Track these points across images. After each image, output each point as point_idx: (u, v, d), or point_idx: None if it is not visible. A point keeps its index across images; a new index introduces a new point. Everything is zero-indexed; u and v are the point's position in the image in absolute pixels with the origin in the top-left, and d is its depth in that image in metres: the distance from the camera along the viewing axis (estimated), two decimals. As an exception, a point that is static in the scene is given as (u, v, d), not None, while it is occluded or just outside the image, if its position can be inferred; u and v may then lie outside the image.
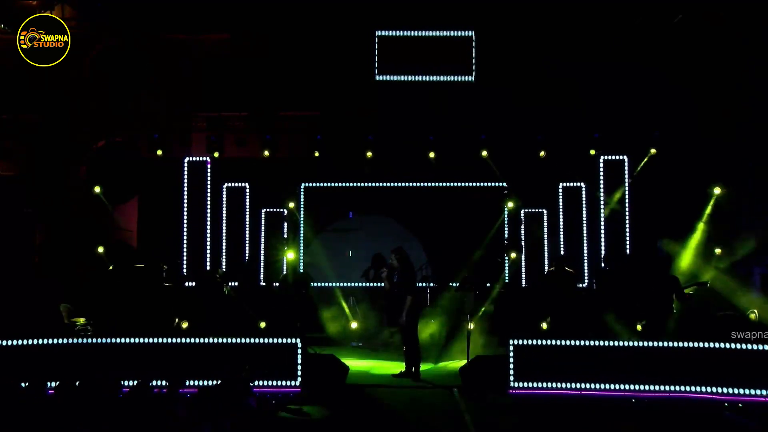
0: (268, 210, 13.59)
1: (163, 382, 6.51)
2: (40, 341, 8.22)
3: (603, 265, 12.65)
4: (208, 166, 13.27)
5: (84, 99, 13.05)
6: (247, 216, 13.46)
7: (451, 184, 13.63)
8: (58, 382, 6.24)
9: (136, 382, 6.45)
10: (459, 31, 12.38)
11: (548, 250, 13.42)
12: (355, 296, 13.08)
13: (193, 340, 8.51)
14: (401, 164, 13.53)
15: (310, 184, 13.72)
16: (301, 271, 12.94)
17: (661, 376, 8.06)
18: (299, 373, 8.27)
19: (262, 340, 8.44)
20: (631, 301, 10.14)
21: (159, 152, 13.20)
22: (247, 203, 13.52)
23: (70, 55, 9.61)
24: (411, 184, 13.69)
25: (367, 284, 12.45)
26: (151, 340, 8.39)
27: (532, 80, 12.76)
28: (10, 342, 8.12)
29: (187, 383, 7.35)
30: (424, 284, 12.84)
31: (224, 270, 11.45)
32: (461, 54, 12.40)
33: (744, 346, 8.03)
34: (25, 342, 8.27)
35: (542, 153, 13.15)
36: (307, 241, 13.67)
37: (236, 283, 11.75)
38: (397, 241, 12.91)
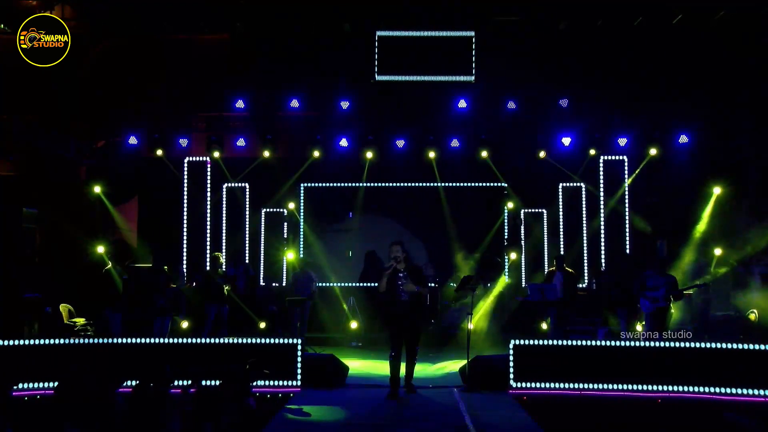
0: (268, 210, 13.60)
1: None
2: (41, 341, 8.23)
3: (603, 266, 12.70)
4: (208, 166, 13.28)
5: (84, 99, 13.05)
6: (247, 216, 13.47)
7: (451, 185, 13.63)
8: (57, 383, 6.23)
9: (135, 383, 6.43)
10: (459, 31, 12.38)
11: (548, 250, 13.42)
12: (355, 296, 13.10)
13: (192, 341, 8.54)
14: (401, 164, 13.54)
15: (310, 184, 13.72)
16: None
17: (662, 376, 8.08)
18: (299, 373, 8.28)
19: (262, 341, 8.46)
20: (631, 301, 10.15)
21: (159, 152, 13.23)
22: (247, 203, 13.53)
23: (70, 55, 9.59)
24: (411, 185, 13.69)
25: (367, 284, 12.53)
26: (149, 341, 8.41)
27: (531, 80, 12.77)
28: (10, 342, 8.12)
29: (187, 383, 7.33)
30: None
31: (224, 270, 11.44)
32: (461, 54, 12.39)
33: (744, 346, 8.05)
34: (24, 342, 8.29)
35: (542, 153, 13.18)
36: (307, 241, 13.67)
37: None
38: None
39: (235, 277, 11.64)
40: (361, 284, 13.32)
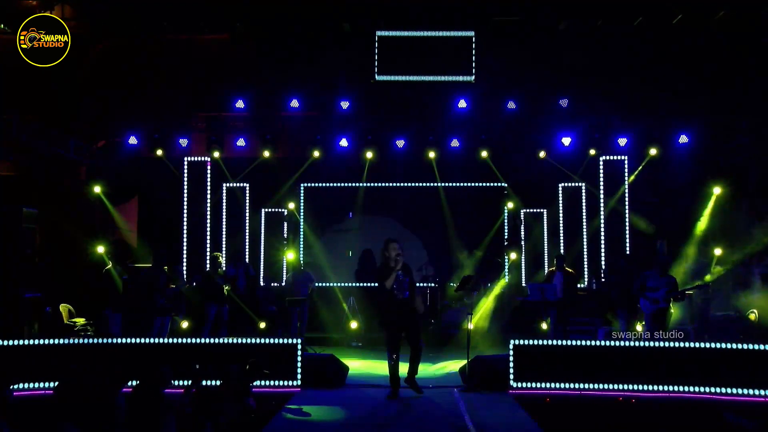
0: (268, 210, 13.59)
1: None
2: (42, 341, 8.23)
3: (603, 266, 12.69)
4: (208, 166, 13.28)
5: (84, 99, 13.06)
6: (247, 216, 13.47)
7: (451, 185, 13.63)
8: (57, 383, 6.23)
9: (135, 383, 6.43)
10: (459, 31, 12.38)
11: (548, 250, 13.43)
12: (355, 296, 13.10)
13: (192, 341, 8.54)
14: (401, 164, 13.54)
15: (310, 184, 13.72)
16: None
17: (661, 376, 8.07)
18: (299, 373, 8.28)
19: (262, 341, 8.46)
20: (631, 301, 10.16)
21: (159, 152, 13.23)
22: (247, 203, 13.53)
23: (70, 55, 9.59)
24: (411, 185, 13.69)
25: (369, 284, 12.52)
26: (149, 341, 8.41)
27: (531, 80, 12.78)
28: (10, 342, 8.12)
29: (188, 383, 7.33)
30: (424, 284, 12.89)
31: (224, 270, 11.44)
32: (461, 54, 12.39)
33: (744, 346, 8.04)
34: (24, 342, 8.29)
35: (542, 153, 13.19)
36: (308, 241, 13.67)
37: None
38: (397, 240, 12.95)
39: (236, 277, 11.64)
40: (358, 284, 13.32)
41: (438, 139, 13.30)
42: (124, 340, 8.38)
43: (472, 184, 13.68)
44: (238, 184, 13.52)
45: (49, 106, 12.54)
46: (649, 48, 12.39)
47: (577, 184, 13.37)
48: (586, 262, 13.22)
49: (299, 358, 8.31)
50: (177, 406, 6.06)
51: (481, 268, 12.79)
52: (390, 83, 12.54)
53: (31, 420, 6.31)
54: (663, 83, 12.55)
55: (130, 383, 6.62)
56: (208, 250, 12.86)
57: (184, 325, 11.02)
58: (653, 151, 12.92)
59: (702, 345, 8.20)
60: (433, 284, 13.14)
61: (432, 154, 13.30)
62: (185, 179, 13.20)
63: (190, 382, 6.60)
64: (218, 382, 6.83)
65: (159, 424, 5.75)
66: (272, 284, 13.36)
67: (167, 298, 10.15)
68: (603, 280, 12.40)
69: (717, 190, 12.65)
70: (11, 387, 6.15)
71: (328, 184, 13.73)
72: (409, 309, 7.98)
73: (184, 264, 12.85)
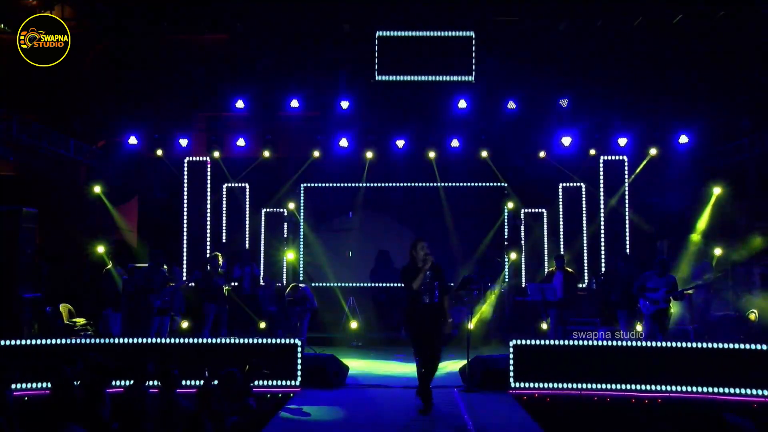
0: (268, 210, 13.60)
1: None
2: (40, 341, 8.23)
3: (603, 266, 12.69)
4: (208, 166, 13.29)
5: (84, 99, 13.05)
6: (247, 216, 13.47)
7: (451, 185, 13.63)
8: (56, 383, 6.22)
9: (133, 383, 6.43)
10: (459, 31, 12.38)
11: (548, 250, 13.43)
12: (355, 296, 13.09)
13: (192, 341, 8.54)
14: (401, 164, 13.54)
15: (310, 184, 13.72)
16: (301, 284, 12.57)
17: (661, 376, 8.07)
18: (299, 373, 8.28)
19: (262, 341, 8.45)
20: (630, 302, 10.15)
21: (159, 152, 13.24)
22: (247, 203, 13.53)
23: (70, 55, 9.59)
24: (411, 185, 13.69)
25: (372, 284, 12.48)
26: (150, 341, 8.41)
27: (531, 80, 12.78)
28: (10, 342, 8.12)
29: (188, 383, 7.34)
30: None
31: (224, 270, 11.42)
32: (461, 54, 12.39)
33: (744, 346, 8.04)
34: (24, 342, 8.29)
35: (542, 153, 13.19)
36: (307, 241, 13.67)
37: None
38: (397, 240, 12.95)
39: (242, 278, 11.64)
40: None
41: (438, 139, 13.31)
42: (123, 340, 8.38)
43: (472, 184, 13.68)
44: (238, 184, 13.53)
45: (49, 106, 12.54)
46: (649, 48, 12.39)
47: (577, 184, 13.37)
48: (586, 262, 13.22)
49: (299, 358, 8.31)
50: (185, 406, 6.07)
51: (481, 268, 12.78)
52: (390, 83, 12.55)
53: (31, 420, 6.31)
54: (663, 83, 12.55)
55: (125, 383, 6.63)
56: (208, 250, 12.86)
57: (184, 325, 11.02)
58: (653, 151, 12.92)
59: (702, 345, 8.21)
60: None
61: (432, 154, 13.30)
62: (185, 179, 13.21)
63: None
64: (218, 383, 6.82)
65: (172, 427, 5.75)
66: (273, 284, 13.36)
67: (165, 299, 10.13)
68: (602, 279, 12.40)
69: (717, 190, 12.65)
70: (11, 387, 6.15)
71: (328, 184, 13.73)
72: (437, 315, 7.18)
73: (184, 264, 12.85)
